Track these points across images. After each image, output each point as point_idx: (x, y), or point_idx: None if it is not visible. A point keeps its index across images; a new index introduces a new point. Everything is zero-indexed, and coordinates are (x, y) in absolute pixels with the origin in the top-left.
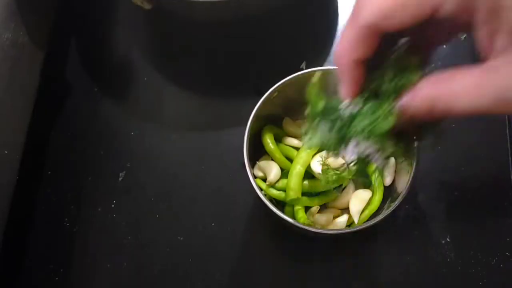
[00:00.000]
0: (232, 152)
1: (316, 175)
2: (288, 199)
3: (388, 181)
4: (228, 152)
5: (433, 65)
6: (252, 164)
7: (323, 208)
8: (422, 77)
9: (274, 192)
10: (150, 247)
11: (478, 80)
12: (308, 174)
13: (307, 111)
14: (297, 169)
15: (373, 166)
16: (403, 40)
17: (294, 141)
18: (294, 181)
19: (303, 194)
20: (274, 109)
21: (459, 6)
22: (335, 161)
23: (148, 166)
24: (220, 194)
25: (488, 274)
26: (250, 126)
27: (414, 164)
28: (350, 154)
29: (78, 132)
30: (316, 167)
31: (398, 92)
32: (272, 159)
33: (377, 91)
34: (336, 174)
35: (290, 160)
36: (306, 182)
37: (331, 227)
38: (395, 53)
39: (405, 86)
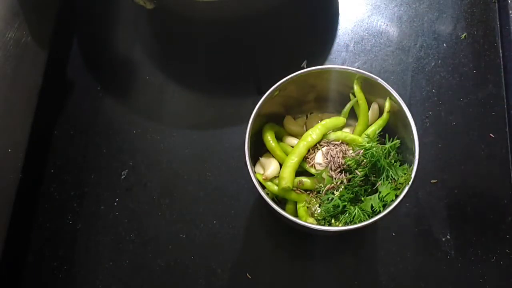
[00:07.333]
0: (233, 150)
1: (313, 172)
2: (279, 188)
3: None
4: (229, 150)
5: (433, 64)
6: (254, 162)
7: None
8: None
9: (268, 183)
10: (152, 244)
11: None
12: (307, 173)
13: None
14: (292, 160)
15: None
16: None
17: (294, 141)
18: (287, 170)
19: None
20: (275, 108)
21: None
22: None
23: (150, 164)
24: (222, 191)
25: (487, 271)
26: (251, 124)
27: (415, 162)
28: None
29: (81, 130)
30: (319, 159)
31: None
32: (273, 157)
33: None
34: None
35: None
36: (306, 179)
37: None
38: None
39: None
